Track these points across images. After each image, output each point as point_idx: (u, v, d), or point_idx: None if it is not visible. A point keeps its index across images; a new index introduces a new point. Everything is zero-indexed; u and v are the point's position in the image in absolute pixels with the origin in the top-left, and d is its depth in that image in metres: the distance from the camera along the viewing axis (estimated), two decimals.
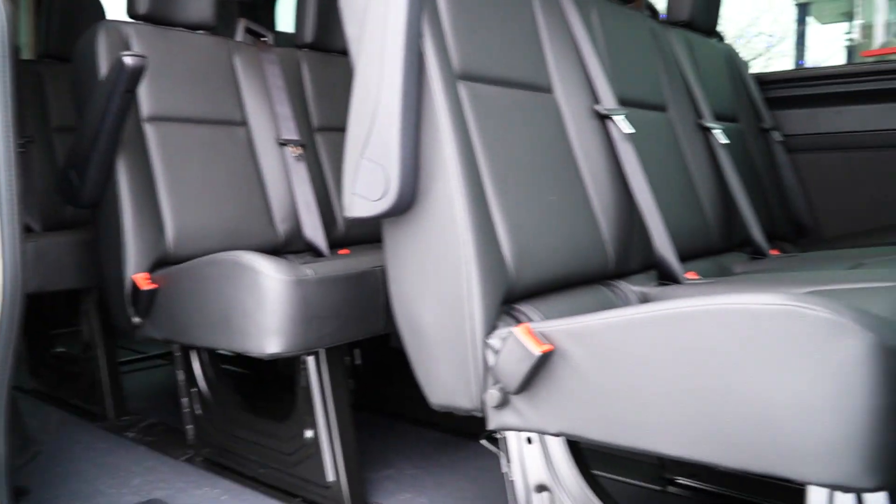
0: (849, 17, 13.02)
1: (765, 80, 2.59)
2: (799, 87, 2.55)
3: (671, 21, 2.31)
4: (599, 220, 1.53)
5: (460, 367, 1.22)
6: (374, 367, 2.47)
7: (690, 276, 1.60)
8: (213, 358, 2.06)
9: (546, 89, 1.57)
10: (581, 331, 1.08)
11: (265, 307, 1.54)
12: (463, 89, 1.33)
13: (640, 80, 1.91)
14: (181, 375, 2.06)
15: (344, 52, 2.61)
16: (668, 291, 1.52)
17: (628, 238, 1.59)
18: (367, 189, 1.23)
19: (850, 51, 12.62)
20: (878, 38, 11.81)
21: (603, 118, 1.62)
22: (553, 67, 1.59)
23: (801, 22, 12.44)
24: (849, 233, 2.38)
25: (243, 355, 1.65)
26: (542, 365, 1.11)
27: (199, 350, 2.06)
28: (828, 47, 12.52)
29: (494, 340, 1.18)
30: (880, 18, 11.65)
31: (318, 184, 2.37)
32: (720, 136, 2.05)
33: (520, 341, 1.11)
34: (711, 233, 1.97)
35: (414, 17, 1.22)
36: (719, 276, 1.84)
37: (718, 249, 2.00)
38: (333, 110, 2.52)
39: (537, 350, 1.09)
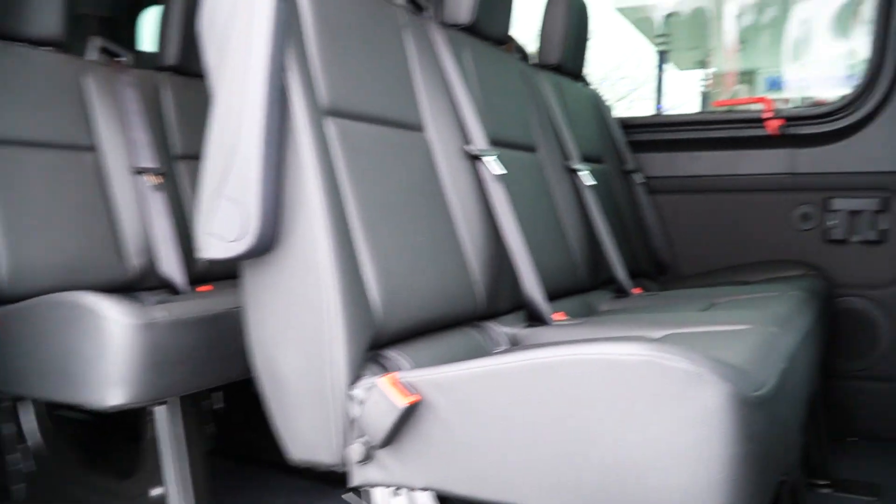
0: (703, 65, 14.08)
1: (627, 125, 2.70)
2: (658, 132, 2.68)
3: (541, 64, 2.37)
4: (470, 261, 1.51)
5: (322, 420, 1.15)
6: (237, 410, 2.33)
7: (558, 316, 1.61)
8: (48, 407, 1.87)
9: (417, 128, 1.54)
10: (447, 381, 1.04)
11: (107, 354, 1.40)
12: (330, 125, 1.27)
13: (511, 121, 1.93)
14: (9, 428, 1.84)
15: None
16: (536, 333, 1.52)
17: (498, 279, 1.58)
18: (224, 229, 1.14)
19: (705, 97, 13.65)
20: (728, 86, 12.85)
21: (474, 158, 1.61)
22: (425, 106, 1.57)
23: (661, 68, 13.33)
24: (704, 271, 2.51)
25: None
26: (407, 417, 1.07)
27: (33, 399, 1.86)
28: (685, 93, 13.46)
29: (358, 391, 1.12)
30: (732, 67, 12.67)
31: (178, 215, 2.23)
32: (587, 178, 2.11)
33: (384, 393, 1.06)
34: (578, 272, 2.01)
35: (278, 48, 1.16)
36: (586, 314, 1.87)
37: (585, 288, 2.04)
38: (197, 137, 2.38)
39: (402, 402, 1.04)
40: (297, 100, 1.19)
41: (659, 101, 13.36)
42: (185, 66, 2.40)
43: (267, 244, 1.15)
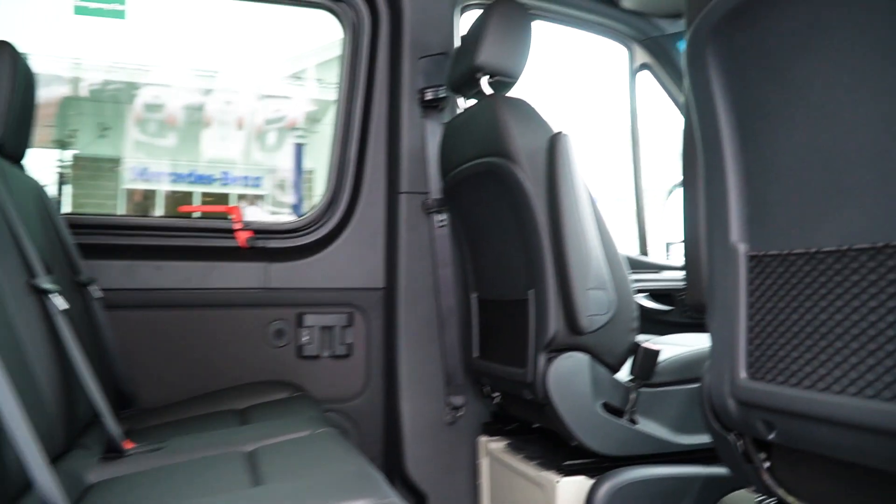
0: (62, 145, 13.20)
1: (76, 224, 2.20)
2: (115, 236, 2.27)
3: None
4: None
5: None
6: None
7: None
8: None
9: None
10: None
11: None
12: None
13: None
14: None
15: None
16: None
17: None
18: None
19: (62, 178, 12.76)
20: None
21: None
22: None
23: None
24: (181, 399, 2.18)
25: None
26: None
27: None
28: (44, 172, 12.33)
29: None
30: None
31: None
32: (59, 301, 1.59)
33: None
34: (54, 431, 1.47)
35: None
36: (75, 495, 1.37)
37: (62, 451, 1.51)
38: None
39: None
40: None
41: None
42: None
43: None
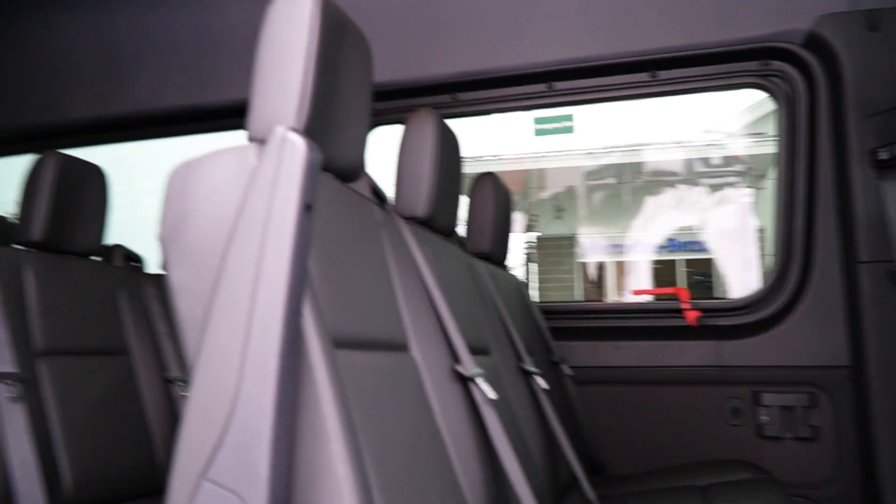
0: (528, 228, 14.96)
1: (548, 311, 2.61)
2: (580, 319, 2.61)
3: (473, 252, 2.23)
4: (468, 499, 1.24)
5: None
6: None
7: None
8: None
9: (403, 347, 1.29)
10: None
11: None
12: (339, 359, 0.99)
13: (463, 321, 1.73)
14: None
15: (80, 254, 2.10)
16: None
17: None
18: None
19: (528, 256, 14.37)
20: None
21: (465, 380, 1.37)
22: (408, 318, 1.33)
23: None
24: (640, 471, 2.37)
25: None
26: None
27: None
28: (515, 253, 14.13)
29: None
30: None
31: (41, 430, 1.75)
32: (541, 381, 1.92)
33: None
34: (544, 493, 1.77)
35: (298, 270, 0.88)
36: None
37: None
38: (64, 328, 1.95)
39: None
40: (311, 335, 0.91)
41: None
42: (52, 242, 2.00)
43: None
